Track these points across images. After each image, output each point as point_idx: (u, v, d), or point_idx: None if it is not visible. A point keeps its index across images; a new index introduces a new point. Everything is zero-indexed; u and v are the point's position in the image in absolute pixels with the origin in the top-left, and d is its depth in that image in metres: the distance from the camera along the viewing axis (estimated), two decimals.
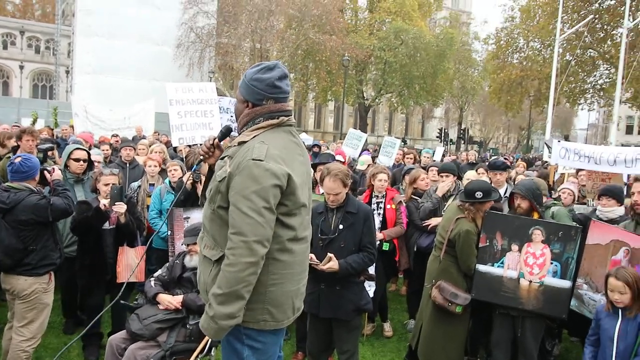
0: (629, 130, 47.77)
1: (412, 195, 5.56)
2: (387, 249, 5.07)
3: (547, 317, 4.15)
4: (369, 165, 8.28)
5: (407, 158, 9.41)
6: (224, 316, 2.12)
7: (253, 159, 2.12)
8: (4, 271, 3.66)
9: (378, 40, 33.58)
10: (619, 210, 4.57)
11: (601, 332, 3.30)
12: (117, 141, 10.13)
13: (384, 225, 5.07)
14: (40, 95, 49.57)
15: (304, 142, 2.52)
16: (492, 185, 5.72)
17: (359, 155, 10.29)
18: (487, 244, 4.15)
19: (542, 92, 30.97)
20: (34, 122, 14.76)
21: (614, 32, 27.22)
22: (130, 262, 4.44)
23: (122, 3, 30.19)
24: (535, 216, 4.15)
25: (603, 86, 30.42)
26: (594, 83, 31.23)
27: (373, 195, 5.22)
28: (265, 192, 2.10)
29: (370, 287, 4.46)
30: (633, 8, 23.19)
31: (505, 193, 5.33)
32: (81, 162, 4.76)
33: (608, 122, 41.82)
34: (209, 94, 6.90)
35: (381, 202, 5.16)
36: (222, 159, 2.29)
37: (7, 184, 3.65)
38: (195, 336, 3.50)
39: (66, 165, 4.76)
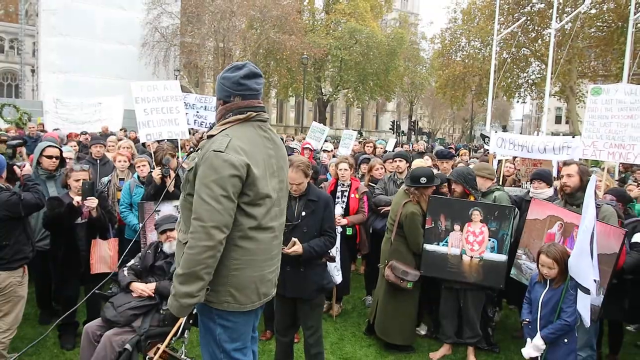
0: (558, 120, 49.73)
1: (369, 183, 5.66)
2: (350, 233, 5.20)
3: (488, 287, 4.35)
4: (334, 156, 8.36)
5: (367, 146, 9.58)
6: (183, 294, 2.14)
7: (214, 150, 2.14)
8: None
9: (334, 40, 33.61)
10: (549, 192, 4.81)
11: (532, 297, 3.51)
12: (87, 138, 9.78)
13: (346, 212, 5.14)
14: (6, 94, 46.84)
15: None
16: (440, 172, 5.92)
17: (321, 147, 10.35)
18: (433, 225, 4.32)
19: (482, 87, 31.77)
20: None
21: (544, 32, 28.27)
22: (103, 254, 4.34)
23: (86, 3, 28.84)
24: (471, 198, 4.32)
25: (535, 81, 31.56)
26: (527, 78, 32.37)
27: (339, 184, 5.28)
28: (223, 182, 2.11)
29: (338, 274, 4.52)
30: (560, 11, 24.15)
31: None
32: (53, 159, 4.57)
33: (540, 113, 43.54)
34: (173, 91, 6.76)
35: (346, 190, 5.24)
36: (197, 151, 2.31)
37: None
38: (168, 320, 3.41)
39: (38, 162, 4.57)
